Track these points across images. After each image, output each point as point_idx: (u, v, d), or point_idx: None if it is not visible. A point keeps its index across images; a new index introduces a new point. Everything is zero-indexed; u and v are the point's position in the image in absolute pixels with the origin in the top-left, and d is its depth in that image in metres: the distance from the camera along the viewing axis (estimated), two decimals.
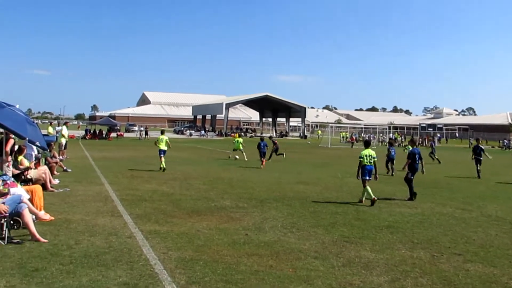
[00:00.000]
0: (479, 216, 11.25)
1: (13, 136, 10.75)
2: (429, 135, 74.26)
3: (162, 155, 20.03)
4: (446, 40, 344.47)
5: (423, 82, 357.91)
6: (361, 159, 12.82)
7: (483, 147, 22.16)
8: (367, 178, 12.71)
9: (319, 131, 63.55)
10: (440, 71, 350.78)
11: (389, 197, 13.85)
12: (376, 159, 12.89)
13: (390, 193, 14.68)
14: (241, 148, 27.58)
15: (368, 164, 12.74)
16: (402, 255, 7.57)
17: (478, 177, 20.31)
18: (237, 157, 27.77)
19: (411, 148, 14.55)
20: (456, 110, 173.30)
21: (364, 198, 12.70)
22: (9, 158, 11.32)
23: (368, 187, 12.57)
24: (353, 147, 50.21)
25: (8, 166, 11.24)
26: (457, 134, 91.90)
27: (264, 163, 23.14)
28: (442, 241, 8.61)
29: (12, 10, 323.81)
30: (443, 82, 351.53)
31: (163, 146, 20.26)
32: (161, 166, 19.73)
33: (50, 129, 27.98)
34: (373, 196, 12.33)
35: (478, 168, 20.84)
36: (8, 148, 11.19)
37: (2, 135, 11.27)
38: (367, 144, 13.42)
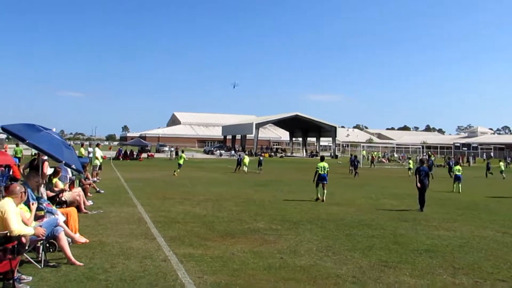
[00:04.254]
0: None
1: (45, 157, 10.86)
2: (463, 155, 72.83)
3: (179, 167, 30.59)
4: (480, 57, 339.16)
5: (457, 101, 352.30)
6: (317, 169, 17.64)
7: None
8: (323, 182, 17.35)
9: (364, 152, 63.96)
10: (474, 89, 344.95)
11: (426, 219, 13.51)
12: (328, 169, 17.93)
13: (428, 215, 14.32)
14: (246, 164, 36.27)
15: (322, 173, 17.54)
16: (444, 281, 7.30)
17: None
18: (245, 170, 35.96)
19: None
20: (491, 129, 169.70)
21: (321, 197, 17.17)
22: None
23: (318, 188, 17.34)
24: (375, 166, 52.38)
25: (44, 187, 11.36)
26: (492, 154, 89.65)
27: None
28: (485, 266, 8.29)
29: (46, 33, 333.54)
30: (477, 100, 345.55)
31: (181, 161, 31.59)
32: (175, 172, 29.41)
33: (82, 150, 28.41)
34: (319, 196, 17.23)
35: None
36: (46, 170, 11.33)
37: (36, 157, 11.40)
38: (322, 159, 18.61)
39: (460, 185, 23.02)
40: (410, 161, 38.85)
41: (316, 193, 17.34)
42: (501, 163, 37.71)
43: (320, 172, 17.50)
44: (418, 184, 15.67)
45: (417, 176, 15.86)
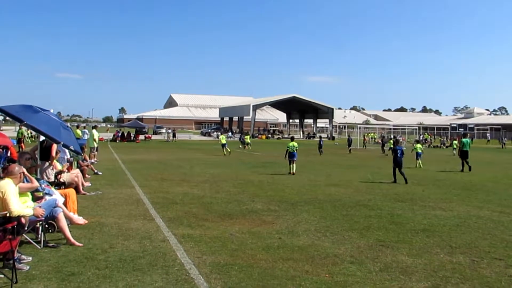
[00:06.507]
0: None
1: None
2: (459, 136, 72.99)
3: (224, 146, 34.12)
4: (476, 38, 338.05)
5: (454, 82, 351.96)
6: (288, 148, 20.99)
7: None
8: (293, 159, 20.60)
9: (370, 134, 64.26)
10: (471, 70, 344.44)
11: (423, 199, 13.58)
12: (297, 148, 21.10)
13: (424, 195, 14.40)
14: (249, 141, 44.64)
15: (292, 151, 20.81)
16: (441, 260, 7.36)
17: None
18: (240, 146, 44.29)
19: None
20: (487, 110, 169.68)
21: (291, 172, 20.14)
22: (46, 163, 11.43)
23: (291, 165, 20.43)
24: (366, 147, 52.43)
25: (53, 169, 11.37)
26: (488, 134, 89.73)
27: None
28: (481, 245, 8.35)
29: (46, 14, 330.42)
30: (474, 82, 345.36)
31: (224, 141, 35.08)
32: (225, 152, 33.59)
33: (78, 132, 28.36)
34: (292, 171, 20.14)
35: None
36: (54, 153, 11.31)
37: (42, 140, 11.37)
38: (292, 139, 22.15)
39: (419, 160, 26.11)
40: (391, 141, 41.84)
41: (289, 169, 20.51)
42: (455, 142, 41.68)
43: (290, 150, 20.90)
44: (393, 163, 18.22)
45: (394, 153, 18.39)
